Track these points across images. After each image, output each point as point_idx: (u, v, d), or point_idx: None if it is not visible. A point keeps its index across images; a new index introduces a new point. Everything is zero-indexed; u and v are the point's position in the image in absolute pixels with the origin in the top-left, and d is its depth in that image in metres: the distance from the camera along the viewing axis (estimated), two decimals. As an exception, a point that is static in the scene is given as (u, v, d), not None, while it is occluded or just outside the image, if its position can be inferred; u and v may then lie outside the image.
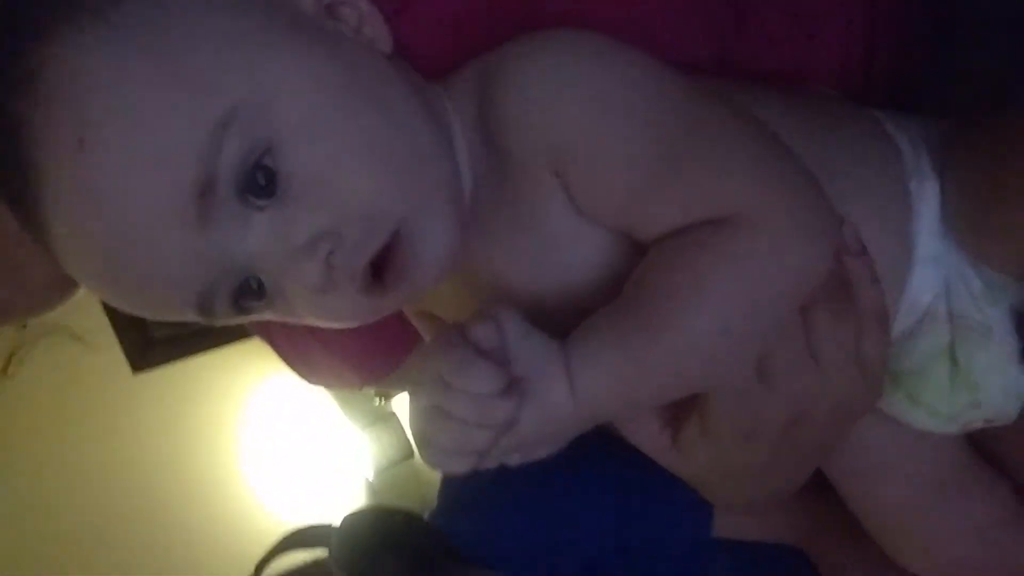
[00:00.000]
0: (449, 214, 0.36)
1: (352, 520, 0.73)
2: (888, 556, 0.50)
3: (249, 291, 0.34)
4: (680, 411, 0.41)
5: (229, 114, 0.31)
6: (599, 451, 0.70)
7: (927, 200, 0.43)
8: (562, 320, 0.36)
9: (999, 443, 0.47)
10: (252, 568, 0.82)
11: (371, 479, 2.60)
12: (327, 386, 0.84)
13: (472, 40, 0.42)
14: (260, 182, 0.32)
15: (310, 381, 0.81)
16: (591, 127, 0.35)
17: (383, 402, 2.51)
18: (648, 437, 0.43)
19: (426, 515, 0.79)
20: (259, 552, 0.83)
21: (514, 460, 0.35)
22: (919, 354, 0.44)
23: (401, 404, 2.56)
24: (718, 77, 0.46)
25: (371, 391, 2.46)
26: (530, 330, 0.34)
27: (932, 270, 0.43)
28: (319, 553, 0.74)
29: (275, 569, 0.77)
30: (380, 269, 0.34)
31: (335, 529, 0.71)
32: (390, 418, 2.59)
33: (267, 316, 0.36)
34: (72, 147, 0.30)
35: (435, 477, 2.46)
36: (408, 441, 2.52)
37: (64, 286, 0.48)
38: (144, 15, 0.31)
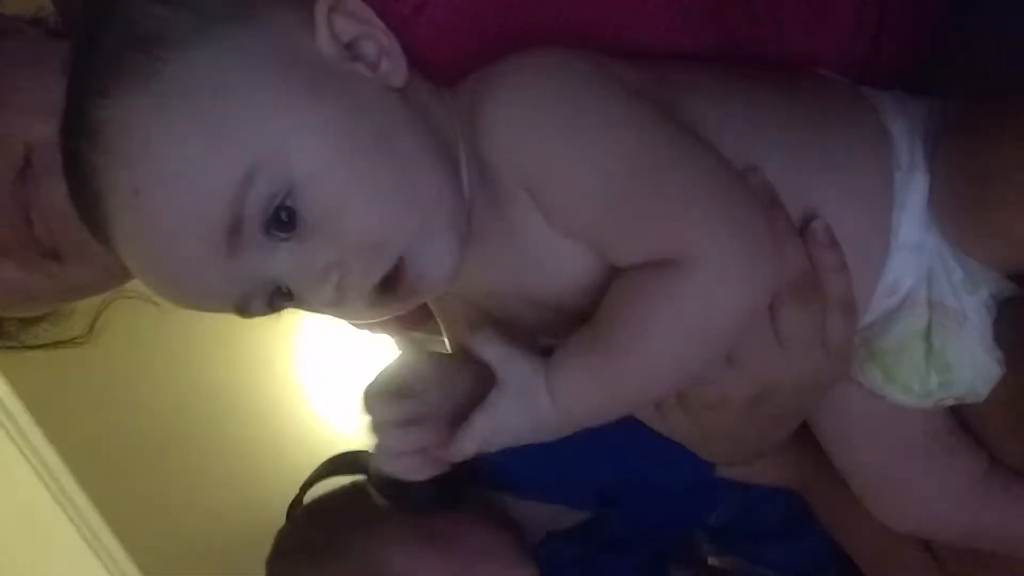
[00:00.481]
0: (450, 238, 0.40)
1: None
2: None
3: (281, 295, 0.40)
4: None
5: (251, 169, 0.36)
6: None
7: (914, 190, 0.44)
8: (552, 321, 0.41)
9: (972, 415, 0.49)
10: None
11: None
12: (370, 331, 0.90)
13: (491, 35, 0.45)
14: (283, 219, 0.37)
15: (355, 326, 0.87)
16: (552, 159, 0.39)
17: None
18: None
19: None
20: (321, 458, 0.92)
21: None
22: (897, 334, 0.46)
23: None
24: (717, 63, 0.48)
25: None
26: (511, 352, 0.39)
27: (915, 256, 0.45)
28: (357, 477, 0.83)
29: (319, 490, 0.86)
30: (392, 281, 0.39)
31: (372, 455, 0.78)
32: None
33: (298, 310, 0.42)
34: (129, 194, 0.37)
35: None
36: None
37: None
38: (181, 83, 0.37)
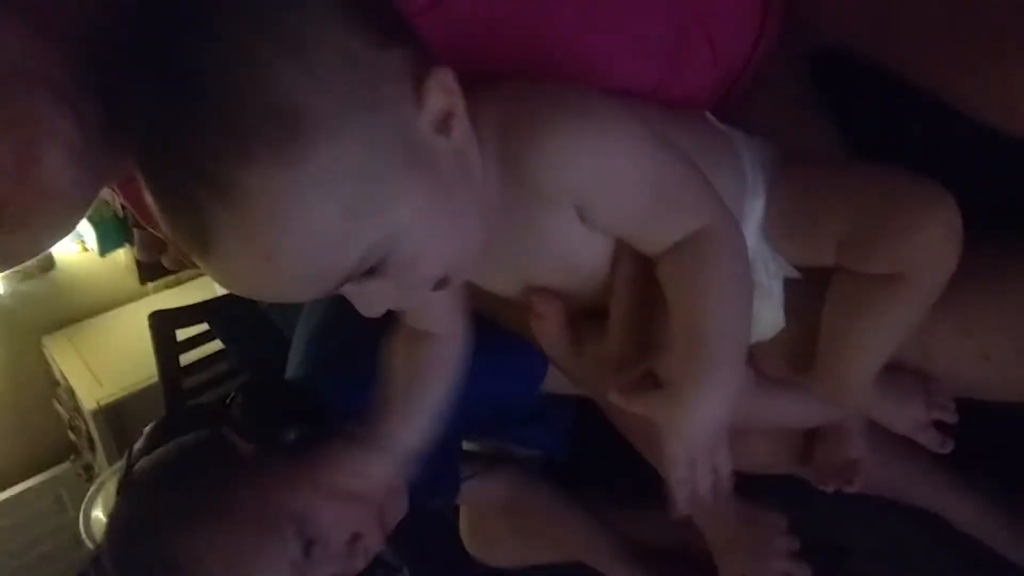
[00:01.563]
0: (473, 259, 0.52)
1: (248, 391, 0.79)
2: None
3: None
4: (583, 333, 0.62)
5: (371, 248, 0.44)
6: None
7: (755, 212, 0.64)
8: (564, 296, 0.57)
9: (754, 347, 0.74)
10: None
11: (1, 291, 2.29)
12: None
13: (503, 35, 0.53)
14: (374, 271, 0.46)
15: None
16: (606, 182, 0.51)
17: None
18: (557, 355, 0.63)
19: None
20: None
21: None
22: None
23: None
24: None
25: None
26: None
27: None
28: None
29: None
30: None
31: (233, 402, 0.76)
32: (21, 224, 2.25)
33: None
34: (263, 258, 0.41)
35: (74, 291, 2.42)
36: (50, 252, 2.26)
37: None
38: (318, 167, 0.40)
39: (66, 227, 0.48)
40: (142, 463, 0.75)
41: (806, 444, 0.86)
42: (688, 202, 0.54)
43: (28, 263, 2.31)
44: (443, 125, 0.46)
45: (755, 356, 0.78)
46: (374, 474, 0.73)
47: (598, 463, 1.15)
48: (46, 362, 2.41)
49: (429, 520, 1.20)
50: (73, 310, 2.41)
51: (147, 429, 0.78)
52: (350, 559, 0.74)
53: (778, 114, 0.74)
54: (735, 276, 0.55)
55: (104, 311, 2.47)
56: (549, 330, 0.61)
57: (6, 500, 2.37)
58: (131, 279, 2.36)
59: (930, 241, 0.62)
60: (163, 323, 1.64)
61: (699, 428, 0.55)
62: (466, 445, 1.15)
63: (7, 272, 2.25)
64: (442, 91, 0.45)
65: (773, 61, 0.74)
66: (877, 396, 0.70)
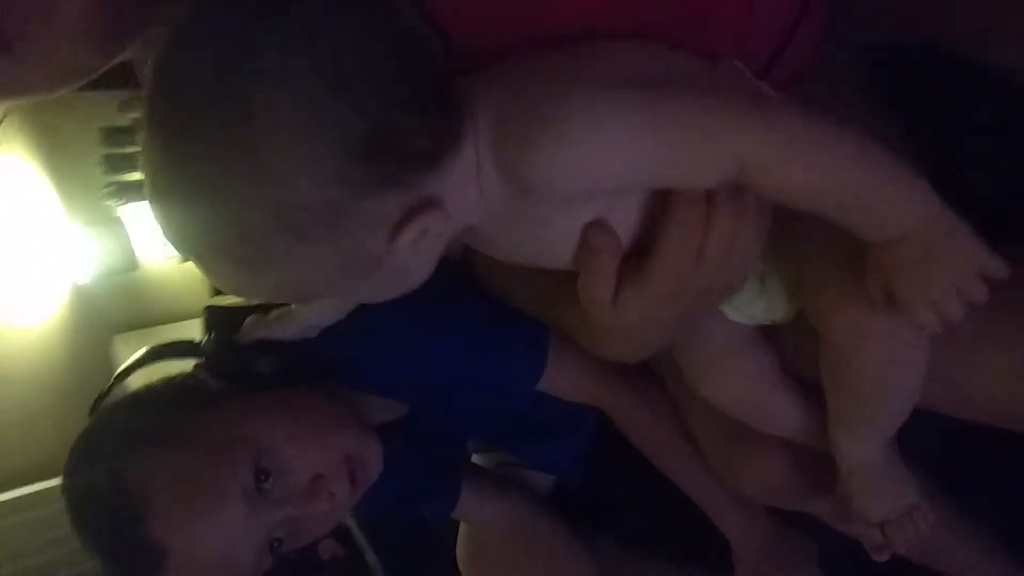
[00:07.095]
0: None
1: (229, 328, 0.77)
2: (687, 389, 0.72)
3: None
4: (621, 278, 0.54)
5: None
6: (461, 304, 0.83)
7: None
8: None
9: (775, 330, 0.68)
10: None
11: (85, 283, 2.41)
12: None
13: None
14: None
15: None
16: (620, 166, 0.46)
17: (114, 204, 2.31)
18: (597, 292, 0.54)
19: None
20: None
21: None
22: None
23: (130, 211, 2.36)
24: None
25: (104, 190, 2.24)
26: None
27: None
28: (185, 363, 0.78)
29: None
30: None
31: (211, 337, 0.75)
32: (115, 223, 2.39)
33: None
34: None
35: (151, 295, 2.46)
36: (133, 251, 2.37)
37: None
38: None
39: (76, 70, 0.51)
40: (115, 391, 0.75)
41: (827, 472, 0.75)
42: (720, 127, 0.46)
43: (114, 261, 2.42)
44: (412, 244, 0.46)
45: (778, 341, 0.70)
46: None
47: (609, 498, 1.06)
48: (111, 361, 2.49)
49: (415, 529, 1.14)
50: (146, 314, 2.50)
51: (130, 359, 0.78)
52: (311, 499, 0.69)
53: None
54: (826, 131, 0.47)
55: (175, 320, 2.55)
56: (602, 268, 0.52)
57: (50, 489, 2.41)
58: (204, 291, 2.44)
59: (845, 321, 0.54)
60: (216, 318, 1.68)
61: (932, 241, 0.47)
62: (476, 459, 1.09)
63: (97, 264, 2.36)
64: (421, 224, 0.45)
65: (829, 56, 0.69)
66: (880, 466, 0.65)
